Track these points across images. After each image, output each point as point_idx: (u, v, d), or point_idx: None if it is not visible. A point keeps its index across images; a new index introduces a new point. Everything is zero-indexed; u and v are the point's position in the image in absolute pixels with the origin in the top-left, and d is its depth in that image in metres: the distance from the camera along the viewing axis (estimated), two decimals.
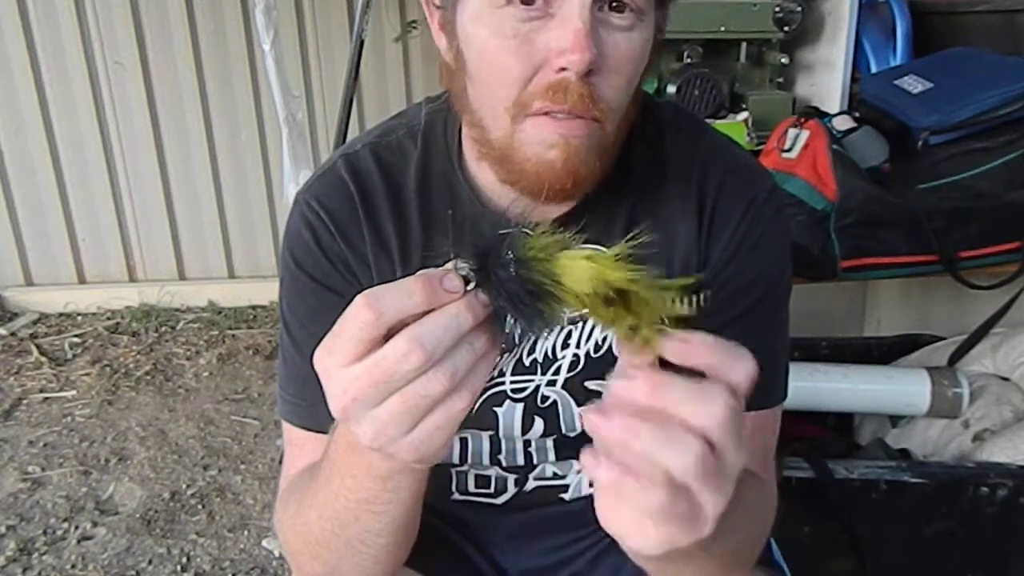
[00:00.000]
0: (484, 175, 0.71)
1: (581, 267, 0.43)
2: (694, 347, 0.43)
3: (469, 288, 0.44)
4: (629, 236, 0.45)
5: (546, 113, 0.60)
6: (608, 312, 0.44)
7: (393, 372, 0.43)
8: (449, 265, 0.45)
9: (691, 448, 0.41)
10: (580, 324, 0.73)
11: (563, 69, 0.58)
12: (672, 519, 0.42)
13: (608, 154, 0.65)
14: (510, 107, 0.61)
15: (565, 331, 0.73)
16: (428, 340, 0.43)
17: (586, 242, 0.73)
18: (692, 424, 0.41)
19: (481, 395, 0.71)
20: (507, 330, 0.45)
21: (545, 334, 0.44)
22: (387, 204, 0.72)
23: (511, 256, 0.44)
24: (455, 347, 0.44)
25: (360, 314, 0.43)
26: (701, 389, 0.42)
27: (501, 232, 0.44)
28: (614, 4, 0.58)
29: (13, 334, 2.81)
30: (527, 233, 0.45)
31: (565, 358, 0.73)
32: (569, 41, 0.57)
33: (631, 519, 0.43)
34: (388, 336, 0.44)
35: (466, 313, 0.44)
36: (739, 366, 0.43)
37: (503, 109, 0.61)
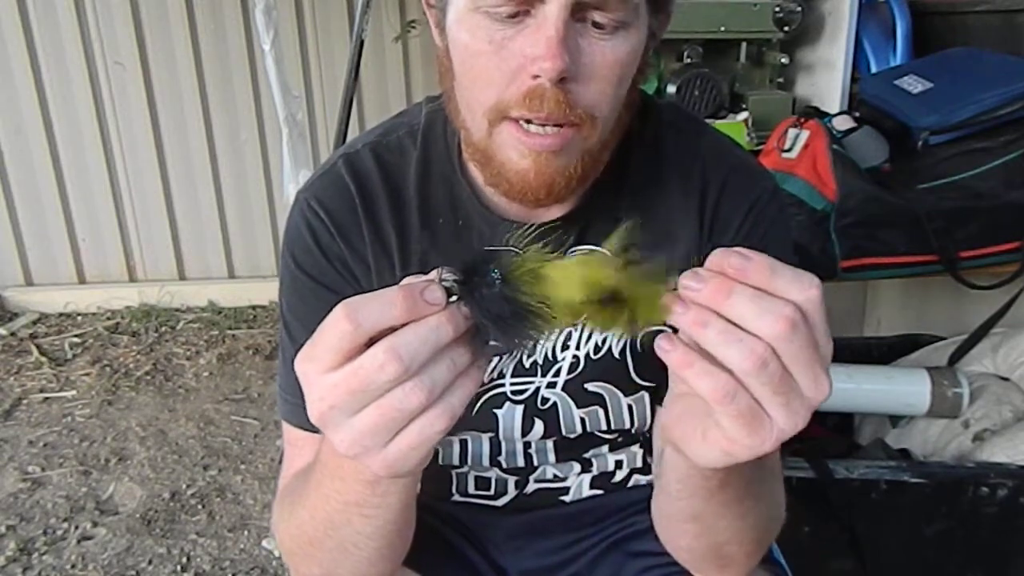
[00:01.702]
0: None
1: (571, 274, 0.44)
2: (753, 264, 0.43)
3: (452, 300, 0.44)
4: (621, 230, 0.45)
5: (522, 122, 0.60)
6: (604, 314, 0.44)
7: (370, 382, 0.43)
8: (433, 275, 0.45)
9: (753, 348, 0.42)
10: (579, 326, 0.73)
11: (537, 76, 0.58)
12: (736, 417, 0.44)
13: (594, 159, 0.64)
14: (488, 111, 0.61)
15: (564, 333, 0.73)
16: (405, 351, 0.42)
17: (585, 244, 0.73)
18: (752, 328, 0.42)
19: (481, 397, 0.72)
20: (489, 346, 0.45)
21: (526, 353, 0.44)
22: (387, 204, 0.72)
23: (497, 274, 0.43)
24: (434, 360, 0.44)
25: (339, 324, 0.43)
26: (763, 298, 0.43)
27: (489, 248, 0.44)
28: (594, 21, 0.58)
29: (13, 334, 2.81)
30: (517, 252, 0.44)
31: (565, 360, 0.73)
32: (541, 48, 0.56)
33: (700, 415, 0.46)
34: (372, 344, 0.43)
35: (446, 325, 0.43)
36: (798, 286, 0.43)
37: (481, 113, 0.61)
